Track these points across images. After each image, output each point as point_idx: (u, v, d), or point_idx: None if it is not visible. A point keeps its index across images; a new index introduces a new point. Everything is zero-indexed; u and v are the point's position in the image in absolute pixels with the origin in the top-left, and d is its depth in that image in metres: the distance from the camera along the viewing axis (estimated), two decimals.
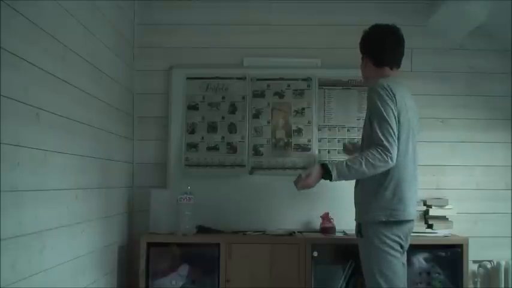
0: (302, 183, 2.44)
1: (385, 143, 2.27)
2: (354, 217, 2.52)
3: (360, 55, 2.62)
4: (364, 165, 2.28)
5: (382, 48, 2.51)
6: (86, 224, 2.45)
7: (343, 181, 2.46)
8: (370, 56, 2.54)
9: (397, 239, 2.35)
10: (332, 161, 2.93)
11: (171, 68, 3.41)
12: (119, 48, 3.06)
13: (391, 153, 2.27)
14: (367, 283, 2.42)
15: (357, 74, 3.30)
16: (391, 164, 2.29)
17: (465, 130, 3.40)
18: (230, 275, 2.90)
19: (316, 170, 2.41)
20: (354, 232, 2.67)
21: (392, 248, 2.35)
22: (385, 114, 2.30)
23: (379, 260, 2.34)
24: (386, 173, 2.34)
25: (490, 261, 3.24)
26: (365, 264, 2.41)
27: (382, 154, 2.27)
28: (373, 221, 2.35)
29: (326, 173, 2.37)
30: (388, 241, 2.34)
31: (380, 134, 2.29)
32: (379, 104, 2.32)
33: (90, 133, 2.51)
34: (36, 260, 1.89)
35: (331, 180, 2.37)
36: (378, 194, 2.35)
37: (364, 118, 2.53)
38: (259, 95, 3.39)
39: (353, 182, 2.59)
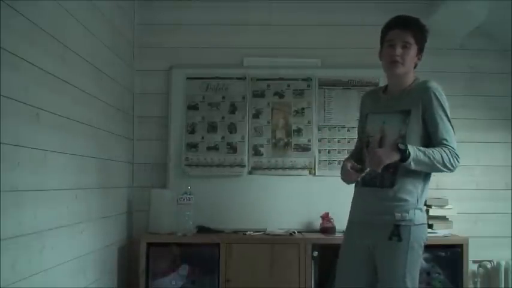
0: (378, 154, 2.15)
1: (456, 150, 2.17)
2: (367, 218, 2.30)
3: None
4: (436, 161, 2.13)
5: None
6: (86, 224, 2.45)
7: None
8: (421, 56, 2.38)
9: (427, 239, 2.27)
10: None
11: (171, 68, 3.41)
12: (119, 48, 3.06)
13: (459, 161, 2.17)
14: (390, 284, 2.20)
15: (356, 74, 3.32)
16: (453, 171, 2.18)
17: (465, 130, 3.38)
18: (230, 275, 2.90)
19: (391, 146, 2.16)
20: None
21: (422, 248, 2.24)
22: (452, 123, 2.21)
23: (413, 262, 2.20)
24: (424, 174, 2.23)
25: (490, 261, 3.24)
26: (395, 269, 2.19)
27: (454, 159, 2.15)
28: (417, 223, 2.20)
29: (399, 151, 2.13)
30: (423, 244, 2.24)
31: (451, 140, 2.18)
32: (448, 111, 2.22)
33: (90, 133, 2.51)
34: (36, 260, 1.89)
35: (405, 160, 2.11)
36: (419, 197, 2.22)
37: (408, 117, 2.25)
38: (259, 95, 3.39)
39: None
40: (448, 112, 2.23)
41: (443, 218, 3.13)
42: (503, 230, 3.30)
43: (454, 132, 2.21)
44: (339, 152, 3.31)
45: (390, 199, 2.22)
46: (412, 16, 2.33)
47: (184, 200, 2.99)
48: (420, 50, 2.34)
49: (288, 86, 3.39)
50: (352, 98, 3.38)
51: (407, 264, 2.18)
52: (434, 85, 2.27)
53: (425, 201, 3.06)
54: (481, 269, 3.27)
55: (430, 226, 3.10)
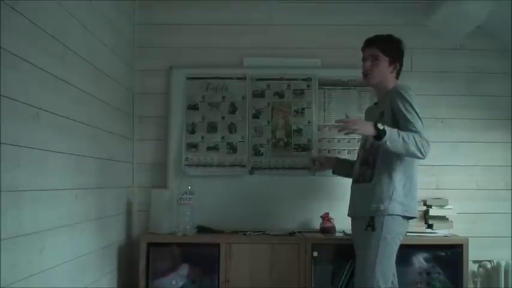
0: (353, 120, 2.39)
1: (425, 137, 2.33)
2: (352, 212, 2.56)
3: (359, 54, 2.63)
4: (409, 142, 2.28)
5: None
6: (86, 224, 2.45)
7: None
8: (398, 65, 2.58)
9: (402, 235, 2.41)
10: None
11: (171, 68, 3.41)
12: (119, 48, 3.06)
13: (429, 148, 2.32)
14: (361, 277, 2.38)
15: (357, 74, 3.30)
16: (424, 157, 2.34)
17: (465, 130, 3.40)
18: (230, 275, 2.90)
19: (371, 123, 2.33)
20: None
21: (396, 244, 2.39)
22: (420, 115, 2.37)
23: (385, 254, 2.34)
24: (403, 169, 2.39)
25: (490, 261, 3.24)
26: (366, 257, 2.37)
27: (425, 143, 2.31)
28: (389, 214, 2.35)
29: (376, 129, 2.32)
30: (397, 236, 2.37)
31: (419, 128, 2.34)
32: (414, 105, 2.38)
33: (90, 133, 2.51)
34: (36, 260, 1.89)
35: (381, 138, 2.27)
36: (395, 189, 2.37)
37: (382, 118, 2.47)
38: (259, 95, 3.39)
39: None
40: (416, 107, 2.38)
41: (443, 218, 3.13)
42: (503, 230, 3.30)
43: (423, 124, 2.37)
44: (338, 152, 3.30)
45: (368, 192, 2.42)
46: (382, 34, 2.58)
47: (184, 200, 2.99)
48: (393, 60, 2.55)
49: (288, 86, 3.39)
50: (352, 98, 3.38)
51: (379, 254, 2.33)
52: (402, 86, 2.46)
53: (426, 201, 3.12)
54: (481, 269, 3.27)
55: (430, 226, 3.10)
